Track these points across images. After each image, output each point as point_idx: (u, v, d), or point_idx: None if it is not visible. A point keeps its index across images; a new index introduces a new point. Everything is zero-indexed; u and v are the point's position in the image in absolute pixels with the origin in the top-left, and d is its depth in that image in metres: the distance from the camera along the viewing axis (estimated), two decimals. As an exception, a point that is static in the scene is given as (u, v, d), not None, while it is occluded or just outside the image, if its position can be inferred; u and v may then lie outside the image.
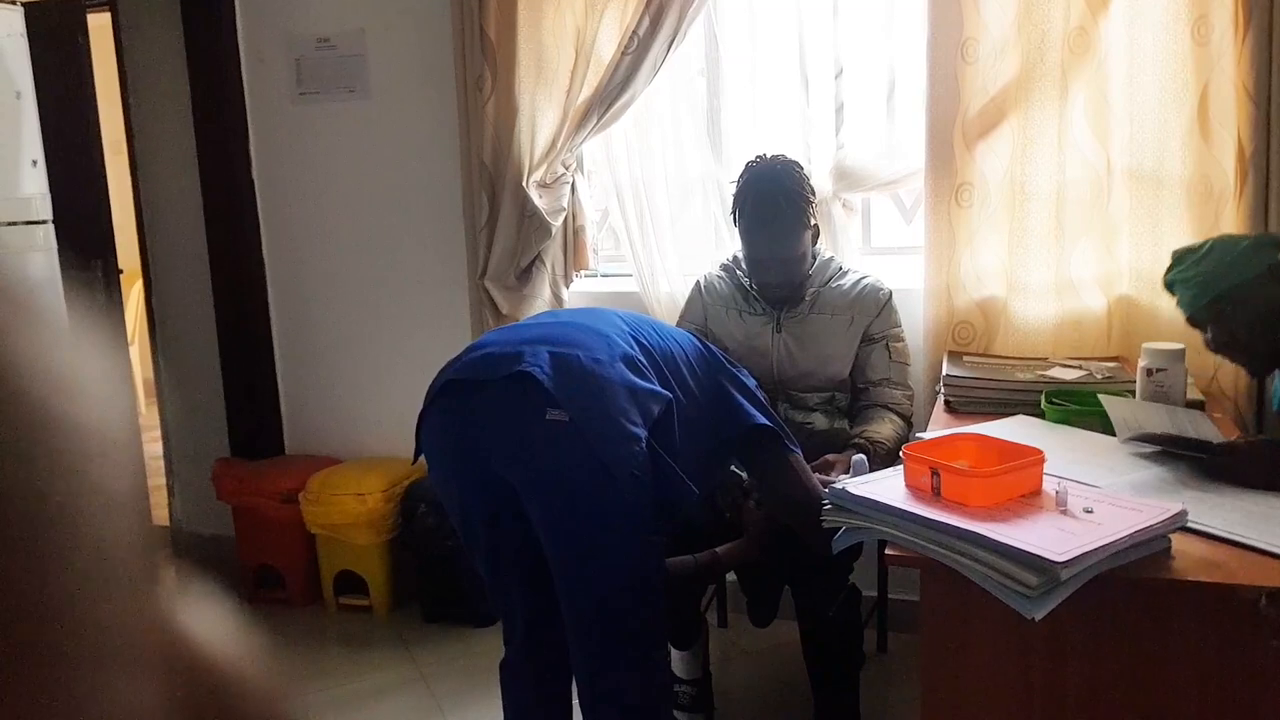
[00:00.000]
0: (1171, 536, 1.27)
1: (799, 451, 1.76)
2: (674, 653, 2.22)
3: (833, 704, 1.98)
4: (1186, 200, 2.20)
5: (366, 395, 3.10)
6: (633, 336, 1.65)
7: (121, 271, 3.39)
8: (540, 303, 2.72)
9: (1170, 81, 2.17)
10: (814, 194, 2.16)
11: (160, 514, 3.44)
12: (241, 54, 3.03)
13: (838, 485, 1.43)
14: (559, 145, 2.62)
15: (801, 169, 2.15)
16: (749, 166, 2.15)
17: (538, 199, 2.63)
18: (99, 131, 3.27)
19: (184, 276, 3.22)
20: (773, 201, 2.07)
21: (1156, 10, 2.16)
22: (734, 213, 2.18)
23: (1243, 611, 1.18)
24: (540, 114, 2.63)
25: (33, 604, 0.24)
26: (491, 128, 2.65)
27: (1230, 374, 2.17)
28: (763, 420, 1.72)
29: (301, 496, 2.86)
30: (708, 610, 2.52)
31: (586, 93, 2.57)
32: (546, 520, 1.54)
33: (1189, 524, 1.29)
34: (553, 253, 2.73)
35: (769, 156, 2.14)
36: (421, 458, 1.67)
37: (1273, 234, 1.63)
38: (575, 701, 1.71)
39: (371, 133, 2.96)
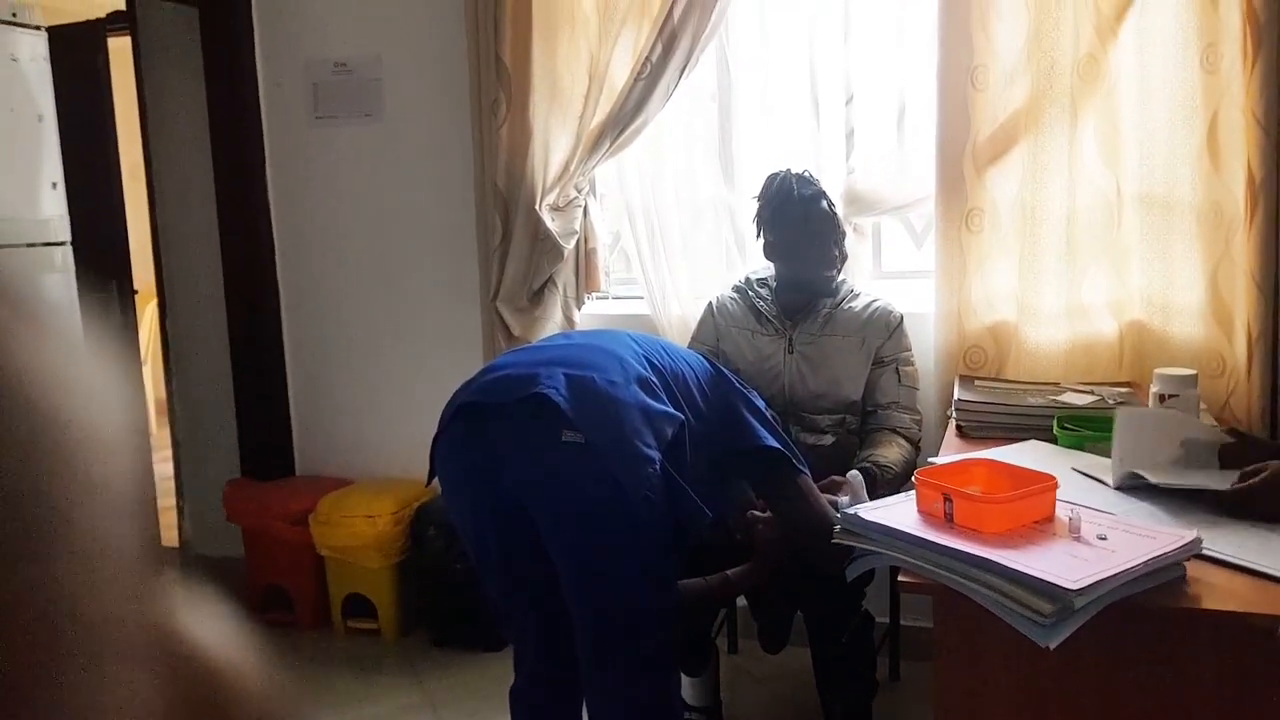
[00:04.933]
0: (1186, 564, 1.26)
1: (808, 473, 1.76)
2: (684, 680, 2.21)
3: (844, 731, 1.96)
4: (1197, 226, 2.20)
5: (378, 417, 3.10)
6: (645, 358, 1.65)
7: (136, 292, 3.42)
8: (552, 325, 2.73)
9: (1180, 108, 2.17)
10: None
11: (170, 535, 3.44)
12: (259, 78, 3.07)
13: (848, 510, 1.43)
14: (572, 169, 2.64)
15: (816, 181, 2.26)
16: (774, 177, 2.24)
17: (550, 222, 2.65)
18: (118, 154, 3.32)
19: (198, 297, 3.25)
20: (813, 186, 2.21)
21: (1165, 38, 2.17)
22: (765, 216, 2.24)
23: (1258, 640, 1.17)
24: (554, 138, 2.65)
25: (37, 605, 0.25)
26: (505, 151, 2.67)
27: (1243, 400, 2.16)
28: (772, 441, 1.72)
29: (311, 518, 2.86)
30: (718, 636, 2.51)
31: (600, 117, 2.59)
32: (561, 542, 1.54)
33: (1203, 551, 1.28)
34: (565, 275, 2.74)
35: (792, 171, 2.23)
36: (434, 481, 1.68)
37: None
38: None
39: (386, 156, 2.99)
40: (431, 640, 2.82)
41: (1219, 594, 1.22)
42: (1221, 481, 1.47)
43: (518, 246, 2.68)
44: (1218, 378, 2.18)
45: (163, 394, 3.47)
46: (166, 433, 3.45)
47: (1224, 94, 2.13)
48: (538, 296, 2.71)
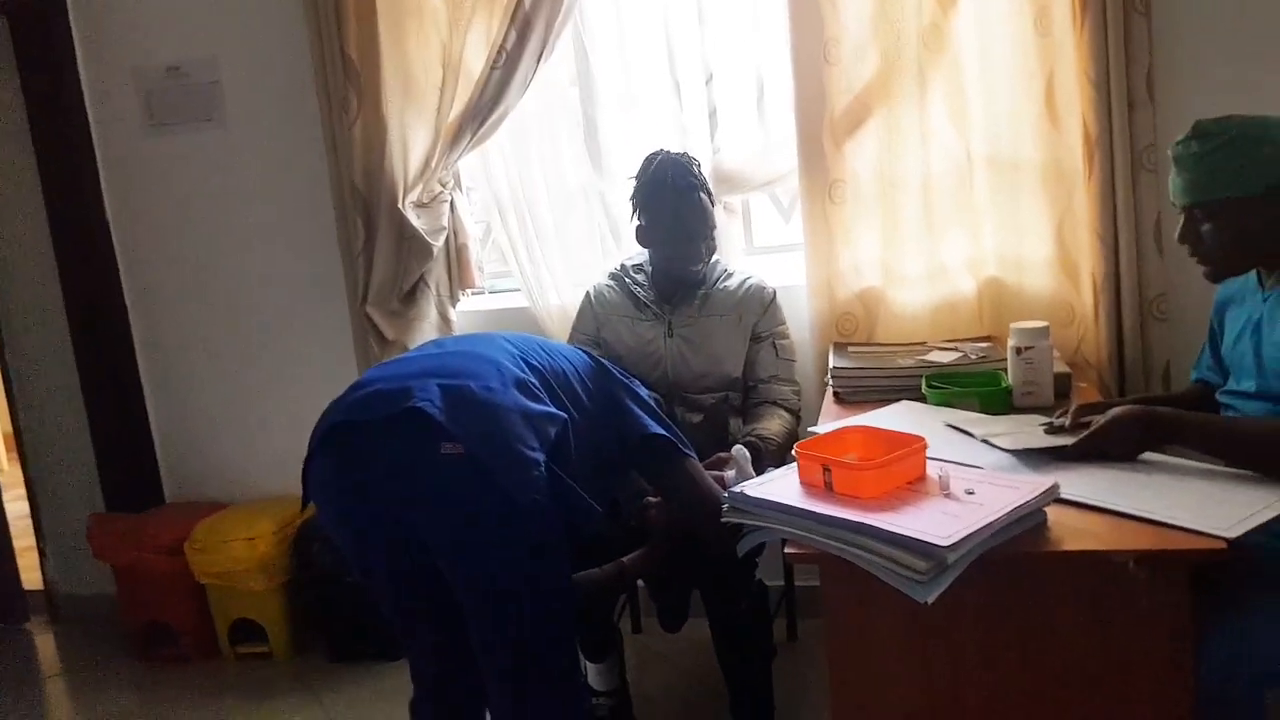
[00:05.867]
0: (1046, 509, 1.33)
1: (694, 456, 1.77)
2: (590, 666, 2.21)
3: (747, 697, 2.00)
4: (1041, 183, 2.31)
5: (249, 435, 2.99)
6: (522, 359, 1.62)
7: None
8: (427, 325, 2.66)
9: (1019, 72, 2.27)
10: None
11: (32, 577, 3.23)
12: (85, 88, 2.87)
13: (734, 487, 1.45)
14: (433, 164, 2.58)
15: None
16: (653, 158, 2.20)
17: (415, 219, 2.58)
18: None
19: (39, 325, 3.04)
20: (689, 176, 2.15)
21: (1001, 3, 2.25)
22: (638, 200, 2.21)
23: (1115, 574, 1.25)
24: (411, 133, 2.57)
25: None
26: (360, 150, 2.58)
27: (1093, 345, 2.29)
28: (657, 429, 1.72)
29: (187, 546, 2.75)
30: (621, 619, 2.52)
31: (458, 109, 2.53)
32: (452, 557, 1.51)
33: (1062, 496, 1.35)
34: (436, 273, 2.68)
35: (671, 154, 2.19)
36: (311, 503, 1.61)
37: None
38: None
39: (233, 162, 2.85)
40: (326, 657, 2.76)
41: (1078, 535, 1.29)
42: (1070, 439, 1.55)
43: (383, 247, 2.60)
44: (1068, 326, 2.31)
45: (10, 429, 3.23)
46: (18, 470, 3.22)
47: (1058, 55, 2.24)
48: (410, 297, 2.64)
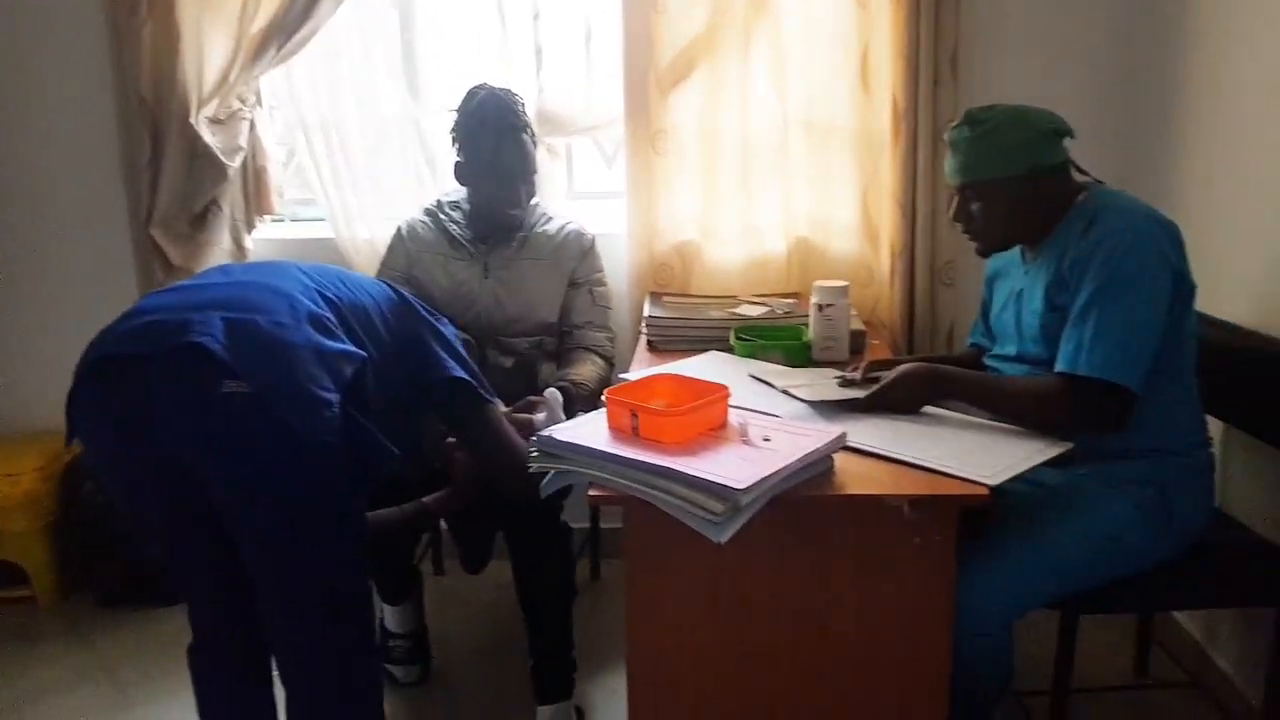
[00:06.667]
0: (834, 456, 1.41)
1: (497, 401, 1.75)
2: (387, 608, 2.17)
3: (547, 638, 2.02)
4: (852, 149, 2.41)
5: (10, 362, 2.69)
6: (318, 292, 1.53)
7: None
8: (219, 251, 2.48)
9: (838, 40, 2.35)
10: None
11: None
12: None
13: (543, 431, 1.44)
14: (232, 77, 2.37)
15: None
16: (475, 92, 2.12)
17: (209, 136, 2.38)
18: None
19: None
20: (512, 116, 2.10)
21: (825, -30, 2.32)
22: (458, 135, 2.13)
23: (891, 516, 1.34)
24: (208, 42, 2.36)
25: None
26: (149, 56, 2.34)
27: (887, 306, 2.44)
28: (459, 372, 1.68)
29: (-65, 483, 2.46)
30: (423, 560, 2.48)
31: (262, 21, 2.34)
32: (235, 502, 1.41)
33: (849, 444, 1.44)
34: (231, 196, 2.48)
35: (495, 91, 2.12)
36: (76, 441, 1.47)
37: (1057, 122, 1.62)
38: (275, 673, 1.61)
39: (-2, 55, 2.51)
40: (97, 601, 2.58)
41: (861, 480, 1.38)
42: (862, 392, 1.65)
43: (172, 164, 2.38)
44: (867, 287, 2.44)
45: None
46: None
47: (874, 29, 2.33)
48: (201, 221, 2.44)
